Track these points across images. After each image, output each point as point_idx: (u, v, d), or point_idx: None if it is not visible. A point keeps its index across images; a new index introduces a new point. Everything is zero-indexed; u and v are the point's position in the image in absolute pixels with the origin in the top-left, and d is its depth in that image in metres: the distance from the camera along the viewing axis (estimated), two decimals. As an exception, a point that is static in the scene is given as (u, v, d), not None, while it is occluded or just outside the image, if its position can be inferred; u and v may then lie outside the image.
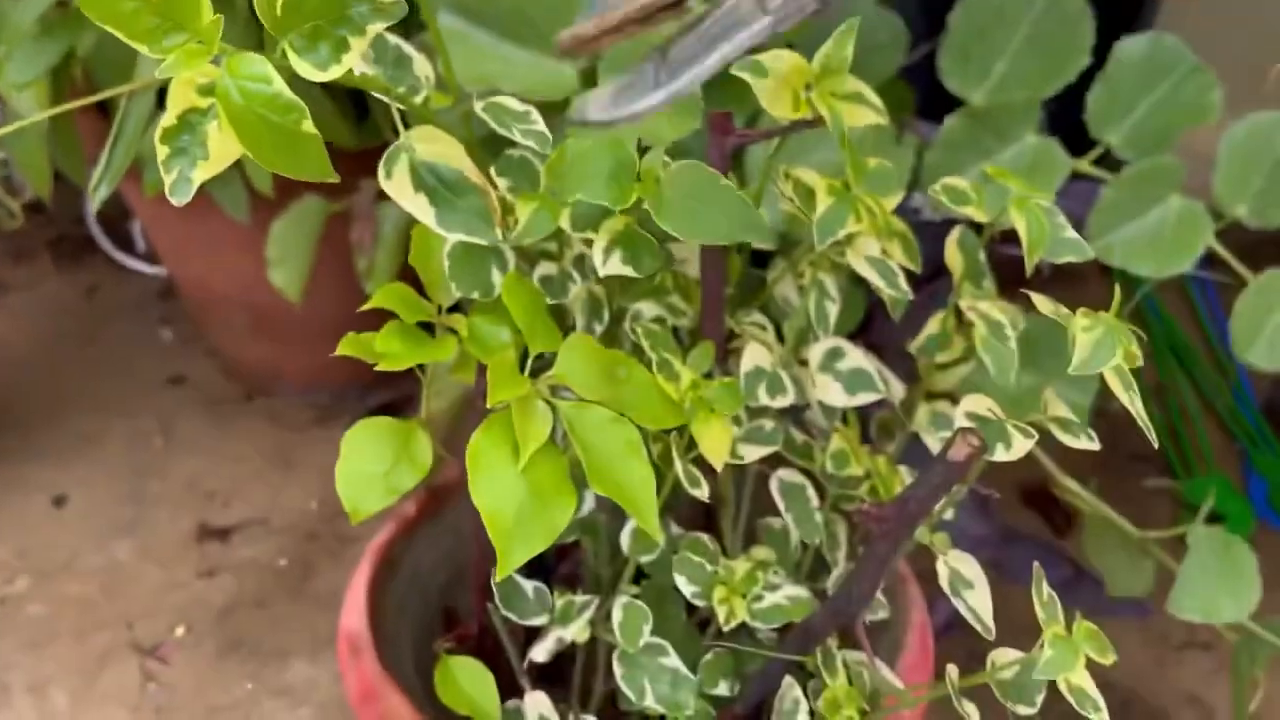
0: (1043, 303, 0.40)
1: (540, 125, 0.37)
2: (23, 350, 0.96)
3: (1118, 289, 0.40)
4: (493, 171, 0.40)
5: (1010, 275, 0.52)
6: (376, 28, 0.32)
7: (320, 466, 0.85)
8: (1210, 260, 0.61)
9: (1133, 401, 0.37)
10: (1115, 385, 0.37)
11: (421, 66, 0.38)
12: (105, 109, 0.75)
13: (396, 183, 0.33)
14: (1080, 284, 0.71)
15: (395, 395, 0.92)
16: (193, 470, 0.84)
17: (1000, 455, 0.39)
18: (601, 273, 0.38)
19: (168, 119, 0.30)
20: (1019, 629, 0.45)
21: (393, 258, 0.67)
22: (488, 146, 0.42)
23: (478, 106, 0.38)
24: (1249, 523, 0.79)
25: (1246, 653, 0.58)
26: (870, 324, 0.67)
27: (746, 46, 0.38)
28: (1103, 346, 0.37)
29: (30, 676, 0.68)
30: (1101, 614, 0.67)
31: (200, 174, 0.30)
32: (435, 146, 0.35)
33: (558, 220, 0.38)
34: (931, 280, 0.64)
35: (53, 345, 0.97)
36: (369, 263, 0.68)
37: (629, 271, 0.38)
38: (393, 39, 0.38)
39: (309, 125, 0.30)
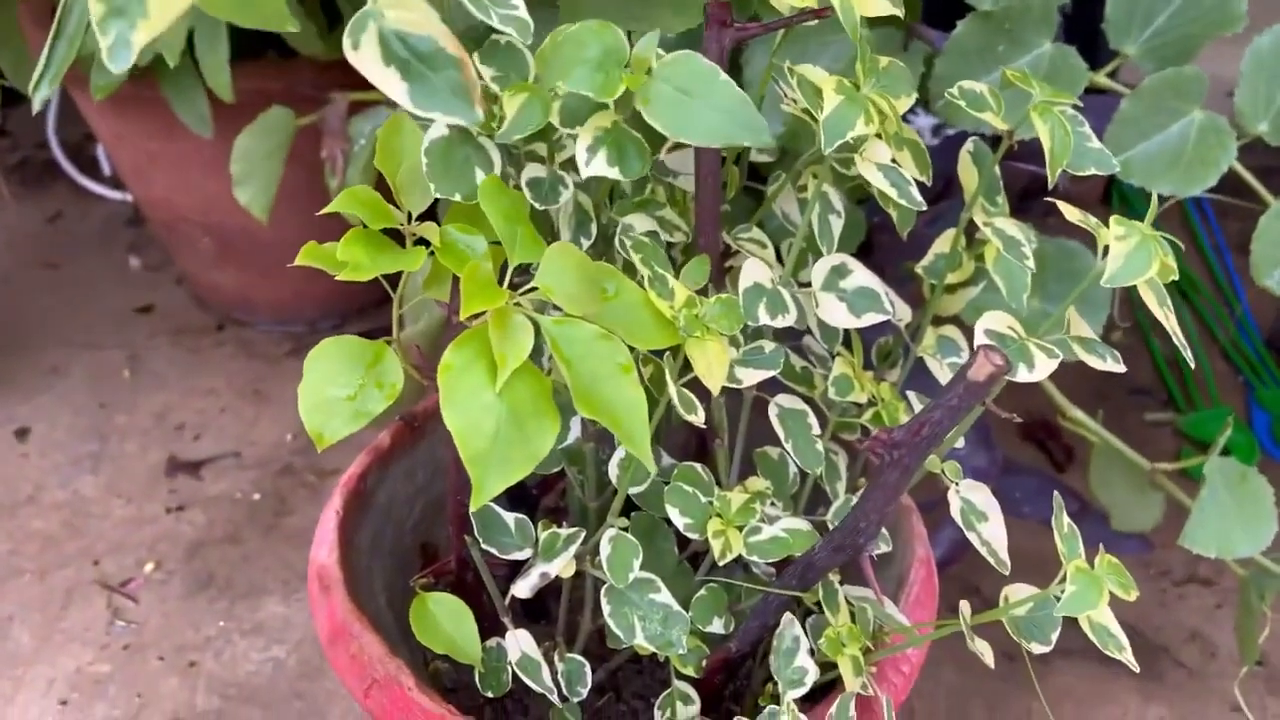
0: (1071, 211, 0.36)
1: (521, 10, 0.33)
2: (-19, 278, 0.92)
3: (1155, 197, 0.37)
4: (476, 59, 0.36)
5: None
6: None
7: (294, 399, 0.79)
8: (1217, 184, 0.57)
9: (1168, 317, 0.34)
10: (1149, 299, 0.34)
11: None
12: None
13: (364, 55, 0.29)
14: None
15: (373, 325, 0.88)
16: (161, 402, 0.81)
17: (1023, 376, 0.36)
18: (585, 173, 0.34)
19: None
20: (1019, 562, 0.42)
21: (367, 176, 0.63)
22: (470, 34, 0.38)
23: None
24: (1253, 456, 0.77)
25: (1255, 587, 0.56)
26: (870, 247, 0.64)
27: None
28: (1138, 256, 0.34)
29: (-9, 614, 0.65)
30: (1105, 549, 0.65)
31: (141, 35, 0.26)
32: (407, 13, 0.30)
33: (549, 114, 0.35)
34: (933, 203, 0.61)
35: (15, 273, 0.93)
36: (341, 182, 0.65)
37: (614, 174, 0.34)
38: None
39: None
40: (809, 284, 0.44)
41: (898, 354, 0.52)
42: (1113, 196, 1.02)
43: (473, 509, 0.31)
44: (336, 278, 0.34)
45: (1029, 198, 0.66)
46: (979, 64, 0.55)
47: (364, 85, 0.67)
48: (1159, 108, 0.56)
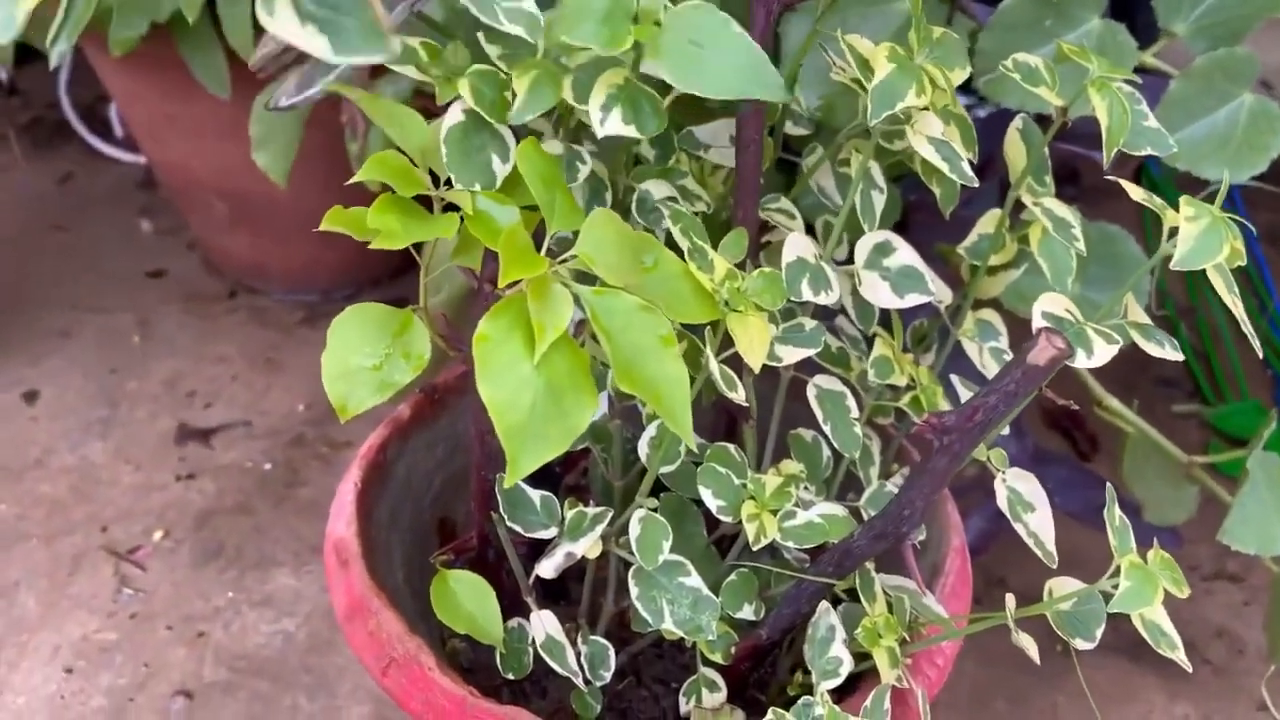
0: (1135, 190, 0.35)
1: (529, 3, 0.32)
2: (-9, 238, 0.91)
3: (1225, 178, 0.35)
4: (481, 39, 0.35)
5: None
6: None
7: (307, 368, 0.80)
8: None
9: (1235, 304, 0.32)
10: (1219, 284, 0.32)
11: None
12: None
13: (280, 19, 0.27)
14: (1109, 200, 0.65)
15: (389, 295, 0.86)
16: (172, 369, 0.80)
17: (1081, 362, 0.35)
18: (600, 133, 0.32)
19: None
20: (1022, 599, 0.41)
21: (388, 141, 0.62)
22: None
23: None
24: (1283, 452, 0.76)
25: (1290, 586, 0.55)
26: (905, 227, 0.62)
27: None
28: (1209, 239, 0.32)
29: (-3, 579, 0.64)
30: (1135, 540, 0.64)
31: None
32: None
33: (560, 91, 0.33)
34: (979, 177, 0.59)
35: (24, 235, 0.92)
36: (361, 147, 0.63)
37: (631, 131, 0.32)
38: None
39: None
40: (844, 262, 0.43)
41: (933, 337, 0.50)
42: (1141, 185, 1.00)
43: (507, 485, 0.29)
44: (368, 245, 0.33)
45: (1057, 184, 0.64)
46: (1025, 40, 0.54)
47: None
48: (1209, 90, 0.54)
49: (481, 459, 0.43)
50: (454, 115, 0.34)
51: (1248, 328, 0.33)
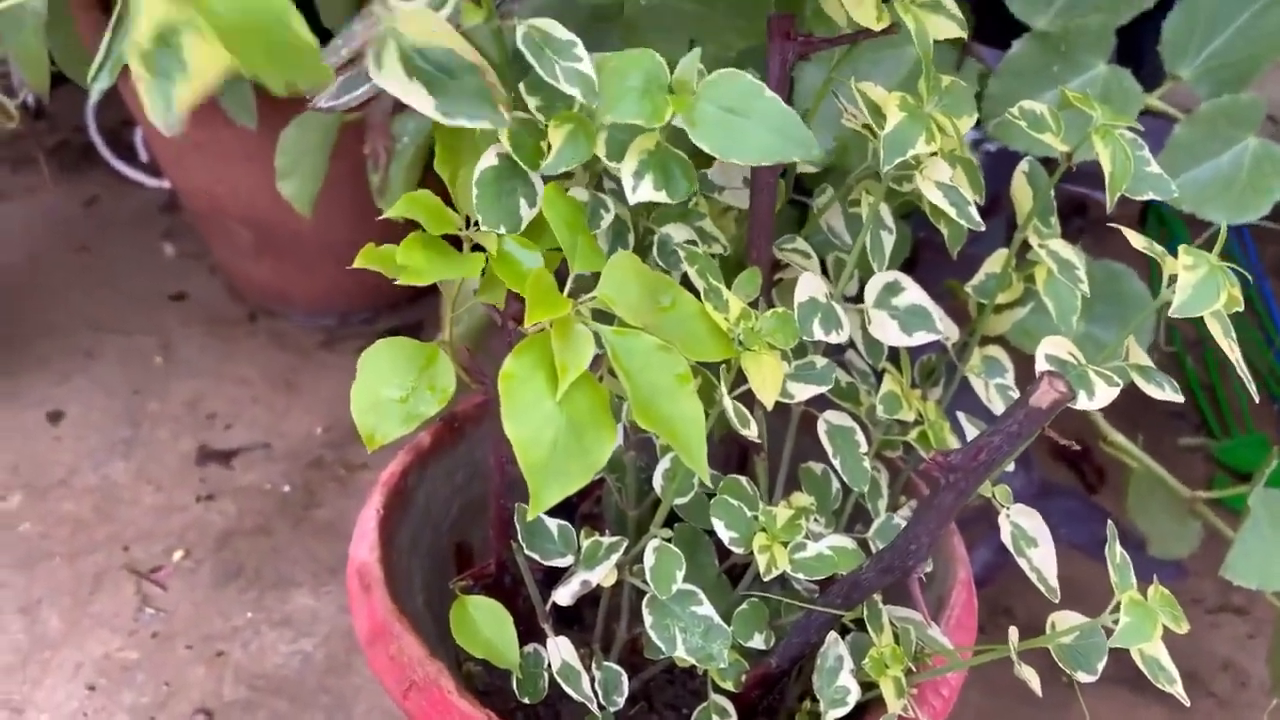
0: (1136, 238, 0.36)
1: (586, 64, 0.33)
2: (19, 261, 0.92)
3: (1224, 227, 0.36)
4: (522, 89, 0.36)
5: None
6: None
7: (326, 391, 0.82)
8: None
9: (1232, 349, 0.34)
10: (1215, 330, 0.34)
11: None
12: (108, 4, 0.71)
13: (388, 73, 0.29)
14: (1116, 233, 0.67)
15: (405, 321, 0.88)
16: (193, 390, 0.81)
17: (1083, 403, 0.36)
18: (631, 199, 0.34)
19: (142, 36, 0.26)
20: (1026, 630, 0.42)
21: (409, 173, 0.63)
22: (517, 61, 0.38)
23: (518, 32, 0.33)
24: (1288, 486, 0.77)
25: (1292, 621, 0.56)
26: (915, 263, 0.63)
27: None
28: (1206, 287, 0.33)
29: (21, 597, 0.66)
30: (1138, 574, 0.65)
31: (186, 94, 0.26)
32: (422, 28, 0.31)
33: (594, 145, 0.34)
34: (986, 216, 0.60)
35: (50, 257, 0.93)
36: (383, 178, 0.65)
37: (662, 197, 0.34)
38: None
39: (300, 26, 0.26)
40: (855, 299, 0.44)
41: (941, 372, 0.51)
42: (1149, 219, 1.01)
43: (529, 518, 0.31)
44: (389, 289, 0.34)
45: (1063, 219, 0.65)
46: (1033, 84, 0.55)
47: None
48: (1213, 134, 0.55)
49: (500, 487, 0.44)
50: (488, 159, 0.36)
51: (1244, 371, 0.34)
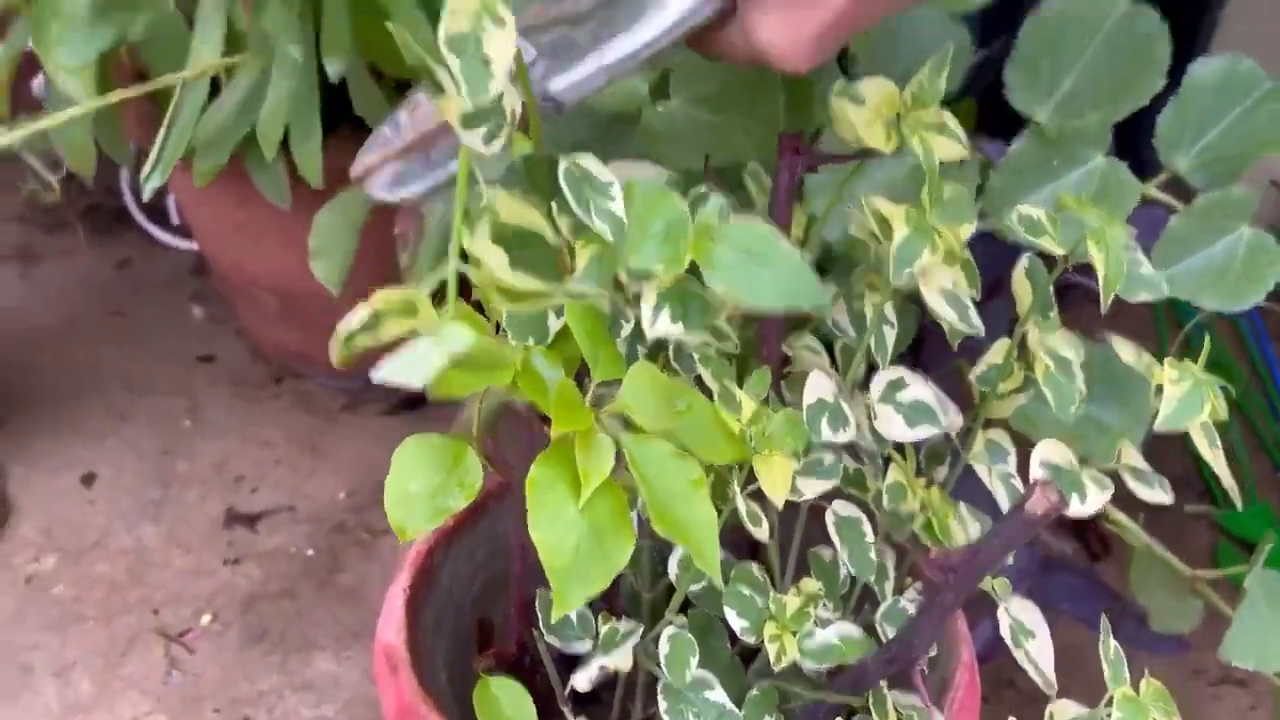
0: (1124, 349, 0.38)
1: (618, 205, 0.36)
2: (53, 322, 0.96)
3: (1206, 340, 0.38)
4: (554, 208, 0.39)
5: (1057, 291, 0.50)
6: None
7: (349, 454, 0.84)
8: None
9: (1217, 459, 0.36)
10: (1200, 441, 0.36)
11: (511, 100, 0.36)
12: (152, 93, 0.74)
13: (479, 238, 0.33)
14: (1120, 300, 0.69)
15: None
16: (221, 453, 0.84)
17: (1075, 509, 0.38)
18: (650, 334, 0.36)
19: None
20: (1056, 658, 0.43)
21: (437, 255, 0.66)
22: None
23: (561, 166, 0.36)
24: (1291, 557, 0.78)
25: (1292, 697, 0.57)
26: (921, 343, 0.65)
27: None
28: (1190, 401, 0.35)
29: (55, 659, 0.68)
30: (1141, 647, 0.66)
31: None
32: (512, 210, 0.35)
33: (617, 268, 0.37)
34: (988, 299, 0.63)
35: (83, 318, 0.97)
36: (411, 258, 0.67)
37: (678, 330, 0.37)
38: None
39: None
40: (863, 383, 0.46)
41: (947, 454, 0.53)
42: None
43: (553, 620, 0.33)
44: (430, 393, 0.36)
45: (1070, 287, 0.68)
46: (1033, 179, 0.57)
47: (438, 168, 0.69)
48: (1207, 226, 0.58)
49: (521, 572, 0.46)
50: (498, 272, 0.38)
51: (1230, 484, 0.36)
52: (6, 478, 0.80)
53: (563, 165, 0.36)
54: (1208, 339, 0.41)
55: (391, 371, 0.28)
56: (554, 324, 0.38)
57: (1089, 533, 0.80)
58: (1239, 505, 0.39)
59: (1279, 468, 0.87)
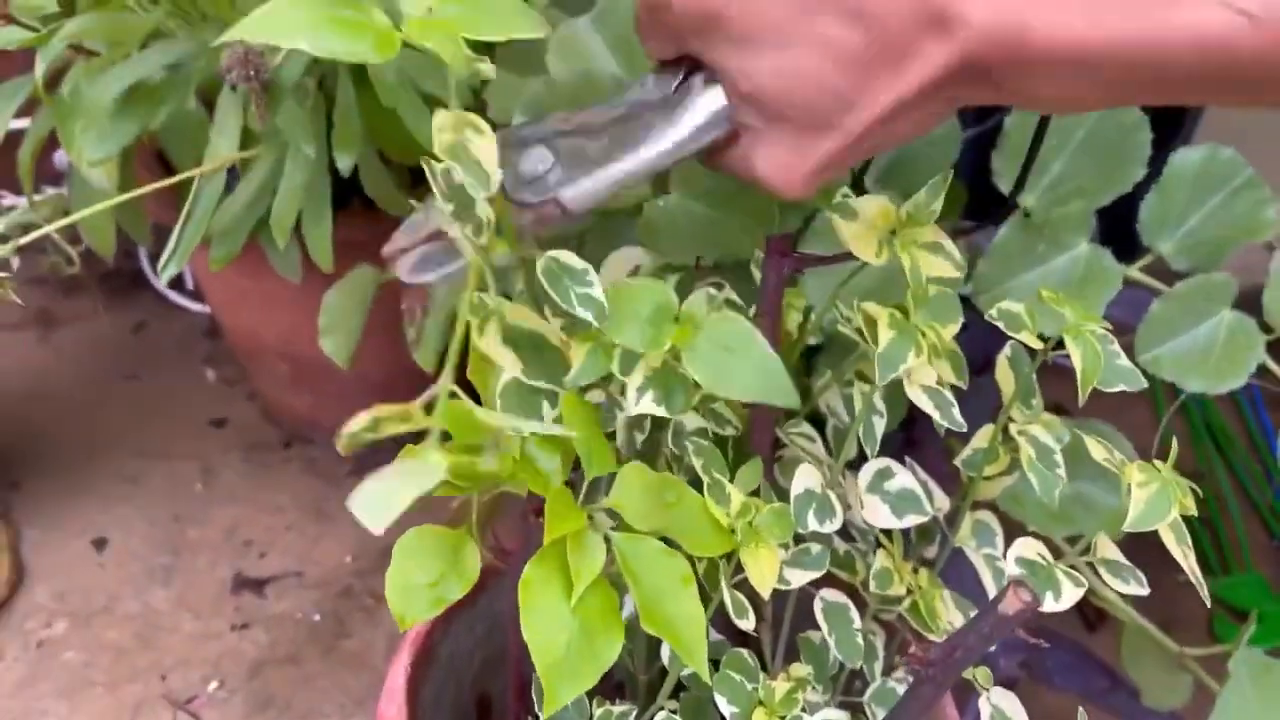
0: (1096, 449, 0.40)
1: (598, 290, 0.38)
2: (69, 386, 0.98)
3: (1174, 444, 0.40)
4: (547, 311, 0.41)
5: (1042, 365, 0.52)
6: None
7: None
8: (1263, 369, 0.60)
9: (1186, 556, 0.37)
10: (1169, 540, 0.37)
11: (483, 209, 0.38)
12: (167, 166, 0.77)
13: (489, 339, 0.35)
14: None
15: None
16: (231, 518, 0.85)
17: (1049, 606, 0.39)
18: (631, 411, 0.38)
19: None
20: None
21: (441, 328, 0.68)
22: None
23: (539, 264, 0.38)
24: (1286, 627, 0.79)
25: (1281, 775, 0.58)
26: (912, 419, 0.67)
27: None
28: (1158, 503, 0.37)
29: (65, 725, 0.69)
30: (1135, 722, 0.66)
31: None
32: (520, 314, 0.37)
33: (610, 363, 0.39)
34: (976, 375, 0.64)
35: (100, 382, 0.99)
36: (418, 332, 0.69)
37: (661, 411, 0.38)
38: (459, 174, 0.38)
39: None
40: (854, 463, 0.48)
41: (937, 532, 0.55)
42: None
43: (545, 716, 0.34)
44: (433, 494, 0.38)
45: (1050, 372, 0.69)
46: (1020, 264, 0.59)
47: (444, 247, 0.71)
48: (1189, 309, 0.59)
49: (519, 654, 0.48)
50: (510, 374, 0.40)
51: (1196, 578, 0.37)
52: (20, 541, 0.82)
53: (540, 264, 0.38)
54: (1176, 433, 0.42)
55: (360, 507, 0.30)
56: (549, 413, 0.39)
57: (1084, 604, 0.81)
58: (1206, 599, 0.40)
59: (1275, 536, 0.88)
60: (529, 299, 0.42)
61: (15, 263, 0.72)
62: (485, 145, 0.34)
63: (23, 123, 0.68)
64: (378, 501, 0.29)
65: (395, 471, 0.30)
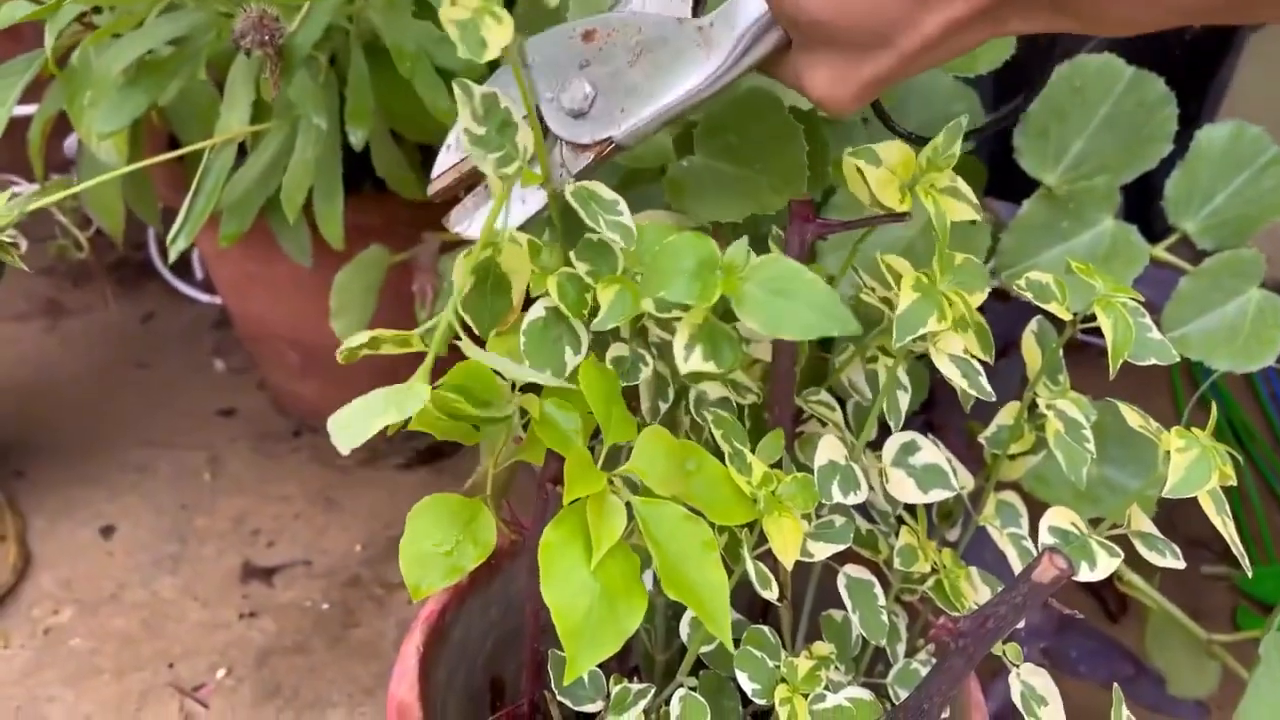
0: (1131, 415, 0.38)
1: (627, 218, 0.37)
2: (79, 375, 0.97)
3: (1214, 408, 0.39)
4: (572, 255, 0.40)
5: (1071, 346, 0.51)
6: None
7: (364, 508, 0.84)
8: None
9: (1226, 525, 0.36)
10: (1209, 507, 0.36)
11: (525, 135, 0.37)
12: (175, 146, 0.76)
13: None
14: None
15: (439, 441, 0.91)
16: (239, 507, 0.84)
17: (1085, 575, 0.38)
18: (683, 369, 0.37)
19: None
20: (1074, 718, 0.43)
21: (454, 313, 0.67)
22: (568, 226, 0.42)
23: (568, 191, 0.37)
24: (1311, 619, 0.77)
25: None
26: (933, 402, 0.66)
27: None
28: (1198, 469, 0.36)
29: (70, 713, 0.68)
30: (1162, 711, 0.65)
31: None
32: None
33: (639, 304, 0.38)
34: (1001, 356, 0.63)
35: (108, 371, 0.98)
36: (430, 315, 0.68)
37: (710, 367, 0.37)
38: (504, 102, 0.37)
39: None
40: (876, 443, 0.46)
41: (959, 513, 0.54)
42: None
43: (566, 682, 0.33)
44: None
45: (1075, 352, 0.68)
46: (1044, 240, 0.58)
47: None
48: (1217, 286, 0.58)
49: (534, 631, 0.46)
50: (536, 311, 0.39)
51: (1238, 549, 0.36)
52: (27, 529, 0.81)
53: (569, 188, 0.37)
54: (1214, 405, 0.41)
55: (335, 425, 0.29)
56: (571, 359, 0.38)
57: (1107, 592, 0.79)
58: (1248, 570, 0.38)
59: (1297, 527, 0.86)
60: (558, 244, 0.41)
61: (24, 245, 0.71)
62: (499, 30, 0.32)
63: (30, 108, 0.68)
64: (353, 421, 0.28)
65: (377, 395, 0.29)
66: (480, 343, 0.40)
